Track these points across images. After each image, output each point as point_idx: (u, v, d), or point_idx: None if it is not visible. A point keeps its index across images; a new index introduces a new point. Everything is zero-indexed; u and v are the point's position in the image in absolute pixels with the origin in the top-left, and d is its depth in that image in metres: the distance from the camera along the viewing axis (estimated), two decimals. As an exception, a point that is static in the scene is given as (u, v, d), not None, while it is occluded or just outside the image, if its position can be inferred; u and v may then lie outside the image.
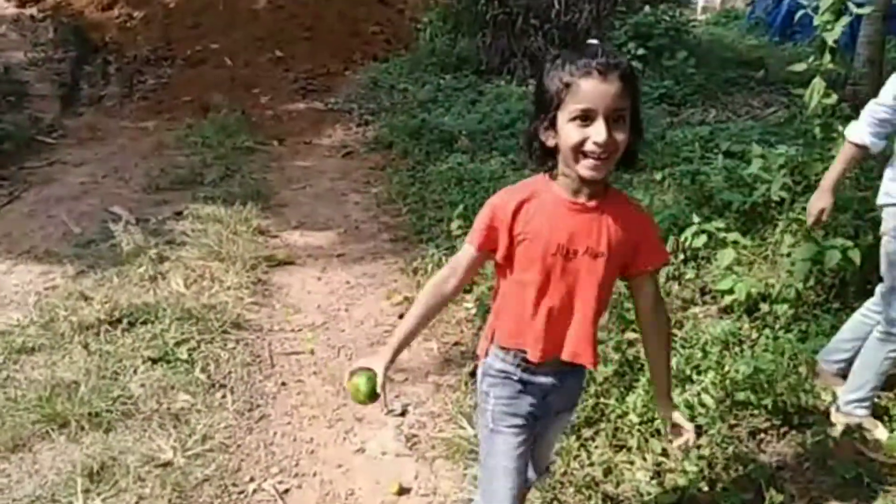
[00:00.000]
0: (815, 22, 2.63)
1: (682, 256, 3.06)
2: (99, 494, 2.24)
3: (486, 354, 1.66)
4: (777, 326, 2.60)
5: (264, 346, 3.30)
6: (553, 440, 1.87)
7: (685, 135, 5.17)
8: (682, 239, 2.99)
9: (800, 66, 2.61)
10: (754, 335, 2.65)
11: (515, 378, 1.60)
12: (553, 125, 1.41)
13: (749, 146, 4.61)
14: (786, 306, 2.58)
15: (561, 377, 1.63)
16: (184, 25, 9.50)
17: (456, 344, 3.37)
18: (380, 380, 1.62)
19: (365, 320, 3.63)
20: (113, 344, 3.12)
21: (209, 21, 9.44)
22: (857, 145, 2.20)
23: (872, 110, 2.18)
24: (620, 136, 1.37)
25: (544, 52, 8.31)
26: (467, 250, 1.59)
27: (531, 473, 1.84)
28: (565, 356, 1.57)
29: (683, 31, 8.74)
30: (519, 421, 1.62)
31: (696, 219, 2.91)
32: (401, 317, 3.62)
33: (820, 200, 2.29)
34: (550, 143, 1.44)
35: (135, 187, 5.32)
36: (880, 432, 2.30)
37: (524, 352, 1.57)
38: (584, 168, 1.40)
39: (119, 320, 3.29)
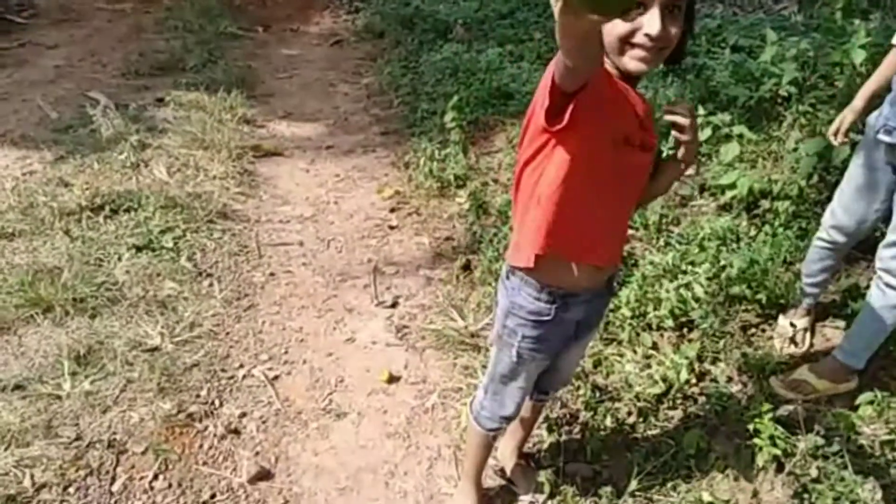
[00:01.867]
0: None
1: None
2: (87, 377, 2.23)
3: (513, 283, 1.44)
4: (777, 223, 2.55)
5: (252, 237, 3.23)
6: (578, 359, 1.78)
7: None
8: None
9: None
10: (753, 231, 2.60)
11: (549, 318, 1.44)
12: None
13: (758, 40, 4.41)
14: (787, 203, 2.52)
15: (596, 299, 1.50)
16: None
17: (447, 239, 3.31)
18: None
19: (355, 213, 3.54)
20: (95, 231, 3.04)
21: None
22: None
23: None
24: (674, 29, 1.18)
25: (547, -64, 7.79)
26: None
27: (551, 389, 1.82)
28: (613, 262, 1.45)
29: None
30: (547, 353, 1.53)
31: (701, 111, 2.78)
32: (392, 211, 3.62)
33: (846, 110, 2.10)
34: None
35: (113, 72, 5.06)
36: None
37: (560, 288, 1.40)
38: (632, 60, 1.21)
39: (101, 207, 3.19)
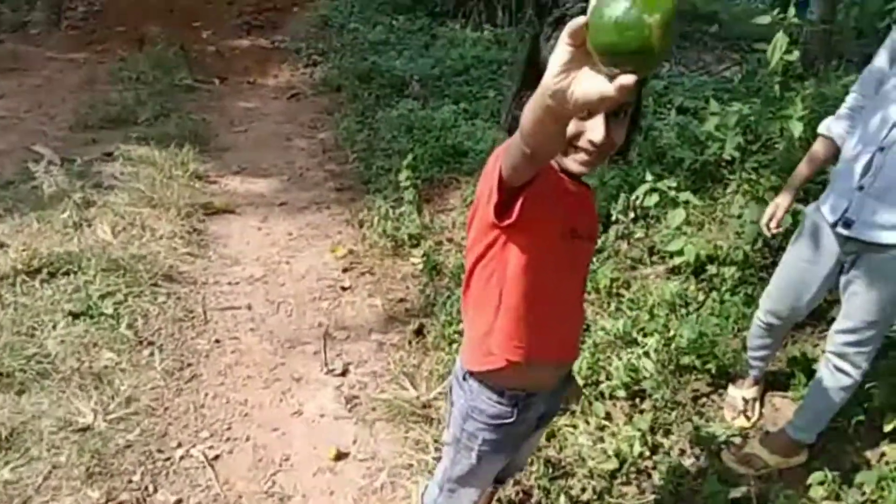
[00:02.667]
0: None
1: (632, 215, 3.00)
2: (7, 463, 2.08)
3: (471, 386, 1.37)
4: (724, 289, 2.59)
5: (198, 301, 3.13)
6: (534, 446, 1.74)
7: (639, 88, 5.07)
8: (633, 197, 2.92)
9: (764, 19, 2.51)
10: (701, 297, 2.63)
11: (510, 420, 1.37)
12: None
13: (702, 102, 4.57)
14: (733, 269, 2.56)
15: (558, 391, 1.46)
16: (119, -52, 8.78)
17: (401, 300, 3.26)
18: None
19: (307, 274, 3.48)
20: (30, 296, 2.90)
21: (146, -56, 8.74)
22: (824, 137, 1.99)
23: (846, 102, 1.98)
24: (619, 134, 1.16)
25: (501, -4, 8.03)
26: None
27: (507, 476, 1.77)
28: (577, 354, 1.43)
29: (642, -20, 8.55)
30: (508, 453, 1.48)
31: (648, 177, 2.84)
32: (345, 271, 3.56)
33: (779, 197, 2.10)
34: None
35: (60, 124, 4.94)
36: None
37: (523, 390, 1.35)
38: (574, 162, 1.18)
39: (38, 270, 3.05)
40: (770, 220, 2.10)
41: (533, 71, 1.14)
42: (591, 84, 0.75)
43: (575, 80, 0.77)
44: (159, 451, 2.25)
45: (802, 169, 2.06)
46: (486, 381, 1.35)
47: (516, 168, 1.01)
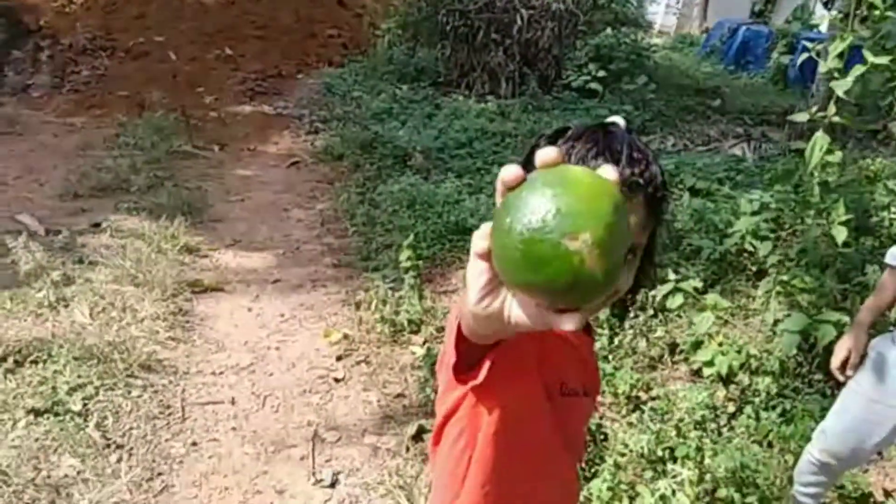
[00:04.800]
0: (821, 69, 2.38)
1: (650, 311, 2.79)
2: None
3: None
4: (758, 401, 2.34)
5: (176, 394, 2.87)
6: None
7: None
8: (652, 294, 2.72)
9: (802, 117, 2.34)
10: (731, 408, 2.39)
11: None
12: None
13: (715, 183, 4.43)
14: (768, 380, 2.32)
15: None
16: (128, 14, 8.86)
17: (398, 396, 3.00)
18: None
19: (297, 362, 3.23)
20: (-9, 389, 2.64)
21: (155, 12, 8.83)
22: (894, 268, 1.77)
23: None
24: (625, 280, 0.97)
25: (504, 67, 8.07)
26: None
27: None
28: None
29: (644, 56, 8.65)
30: None
31: (671, 275, 2.63)
32: (339, 359, 3.31)
33: (850, 339, 1.84)
34: None
35: (49, 192, 4.78)
36: None
37: None
38: (565, 321, 1.00)
39: (3, 359, 2.81)
40: (842, 364, 1.84)
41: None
42: (529, 314, 0.57)
43: (506, 302, 0.59)
44: (116, 587, 1.96)
45: (872, 304, 1.82)
46: None
47: (474, 333, 0.78)
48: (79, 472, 2.32)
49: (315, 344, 3.39)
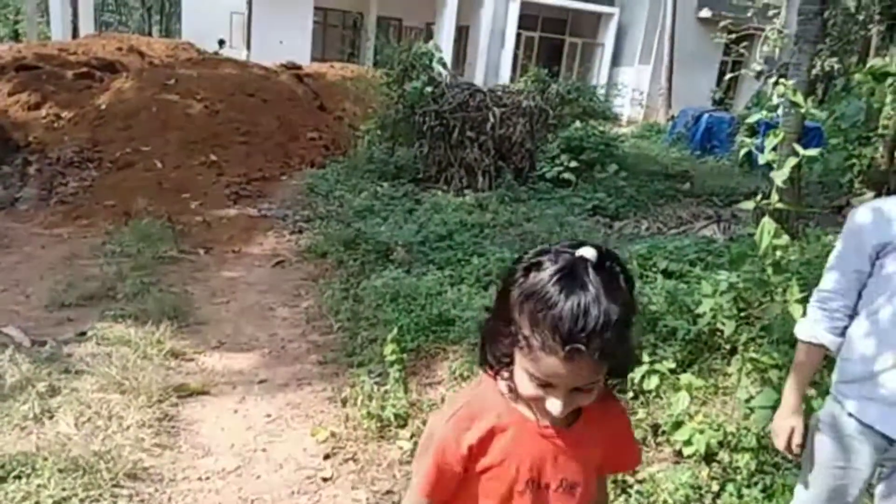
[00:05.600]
0: (761, 161, 2.60)
1: (630, 394, 2.86)
2: None
3: None
4: (739, 479, 2.38)
5: (162, 502, 2.84)
6: None
7: (622, 252, 5.13)
8: (630, 377, 2.79)
9: (748, 205, 2.54)
10: (715, 487, 2.42)
11: None
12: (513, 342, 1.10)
13: (687, 265, 4.61)
14: (747, 456, 2.38)
15: None
16: (114, 127, 9.20)
17: (387, 493, 3.00)
18: None
19: (285, 463, 3.21)
20: (-26, 507, 2.61)
21: (141, 123, 9.18)
22: (812, 345, 1.86)
23: (820, 300, 1.85)
24: (586, 401, 1.11)
25: (480, 162, 8.44)
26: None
27: None
28: None
29: (613, 145, 9.10)
30: None
31: (646, 358, 2.73)
32: (326, 457, 3.31)
33: (787, 421, 1.90)
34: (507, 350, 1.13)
35: (35, 303, 4.82)
36: None
37: None
38: (543, 414, 1.15)
39: (-13, 475, 2.78)
40: (788, 443, 1.91)
41: (503, 306, 1.11)
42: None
43: None
44: None
45: (795, 383, 1.91)
46: None
47: None
48: (62, 591, 2.26)
49: (302, 443, 3.38)
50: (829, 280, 1.84)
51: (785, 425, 1.88)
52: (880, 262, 1.74)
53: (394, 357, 3.68)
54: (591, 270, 1.03)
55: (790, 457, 1.90)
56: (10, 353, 3.54)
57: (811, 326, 1.85)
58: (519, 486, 1.14)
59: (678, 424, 2.56)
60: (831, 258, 1.85)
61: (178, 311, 4.74)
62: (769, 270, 2.50)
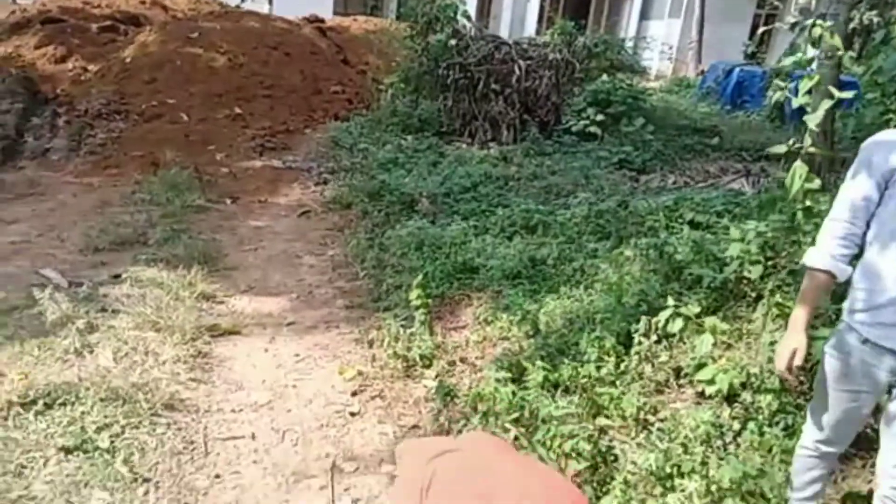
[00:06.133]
0: (794, 104, 2.55)
1: (654, 337, 2.89)
2: None
3: None
4: (761, 418, 2.42)
5: (199, 430, 2.97)
6: None
7: (649, 204, 5.10)
8: (654, 320, 2.82)
9: (780, 149, 2.50)
10: (736, 426, 2.46)
11: None
12: None
13: (714, 216, 4.57)
14: (769, 397, 2.41)
15: None
16: (140, 80, 9.25)
17: (413, 427, 3.09)
18: None
19: (314, 398, 3.32)
20: (23, 429, 2.75)
21: (166, 76, 9.21)
22: (821, 272, 1.90)
23: (831, 229, 1.89)
24: None
25: (505, 115, 8.36)
26: None
27: None
28: None
29: (640, 99, 8.92)
30: None
31: (670, 301, 2.75)
32: (354, 394, 3.41)
33: (791, 340, 1.95)
34: None
35: (71, 248, 4.96)
36: None
37: None
38: None
39: (34, 401, 2.91)
40: (789, 364, 1.95)
41: None
42: None
43: None
44: None
45: (802, 311, 1.94)
46: None
47: None
48: (108, 505, 2.40)
49: (331, 381, 3.48)
50: (839, 209, 1.88)
51: (788, 346, 1.93)
52: (889, 192, 1.77)
53: (419, 301, 3.74)
54: None
55: (788, 378, 1.95)
56: (50, 292, 3.66)
57: (820, 254, 1.89)
58: None
59: (701, 366, 2.60)
60: (842, 188, 1.88)
61: (207, 257, 4.84)
62: (799, 215, 2.48)
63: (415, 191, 6.03)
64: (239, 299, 4.40)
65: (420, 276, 3.88)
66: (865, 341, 1.81)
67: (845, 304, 1.90)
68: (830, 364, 1.90)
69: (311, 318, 4.22)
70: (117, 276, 4.41)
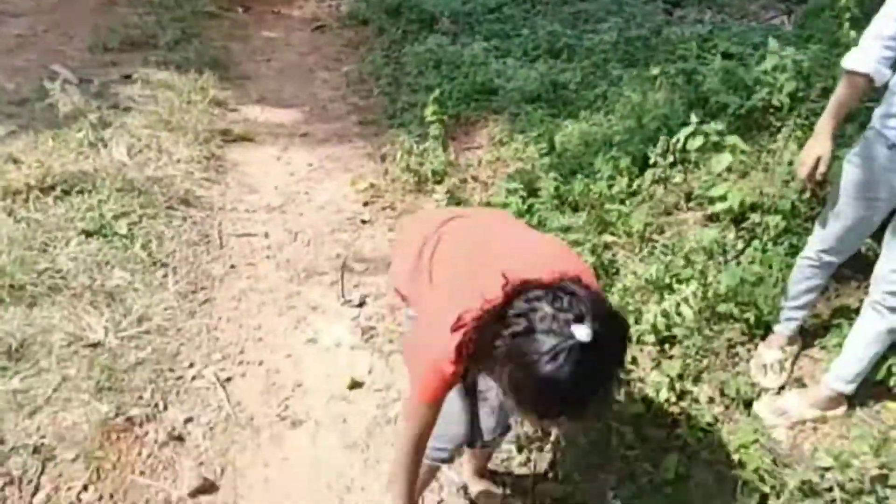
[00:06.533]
0: None
1: (671, 158, 2.84)
2: (17, 373, 2.04)
3: None
4: (766, 238, 2.43)
5: (213, 226, 3.05)
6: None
7: (682, 32, 4.81)
8: (673, 140, 2.75)
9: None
10: (740, 245, 2.49)
11: None
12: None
13: (749, 48, 4.32)
14: (778, 217, 2.40)
15: None
16: None
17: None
18: None
19: (326, 205, 3.37)
20: (43, 212, 2.83)
21: None
22: (857, 75, 1.79)
23: (878, 28, 1.75)
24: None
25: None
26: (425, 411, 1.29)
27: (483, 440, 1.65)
28: None
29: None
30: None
31: (693, 118, 2.65)
32: (365, 204, 3.46)
33: (816, 147, 1.88)
34: None
35: (79, 45, 4.80)
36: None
37: None
38: None
39: (52, 187, 2.97)
40: (812, 173, 1.91)
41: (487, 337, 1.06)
42: None
43: None
44: (170, 370, 2.19)
45: (833, 116, 1.86)
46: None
47: None
48: (129, 283, 2.52)
49: (342, 191, 3.52)
50: (884, 14, 1.75)
51: (812, 153, 1.89)
52: None
53: (434, 117, 3.66)
54: (583, 354, 0.95)
55: (809, 186, 1.93)
56: (61, 83, 3.59)
57: (862, 55, 1.79)
58: None
59: (714, 182, 2.57)
60: None
61: (218, 64, 4.71)
62: (845, 26, 2.31)
63: (435, 8, 5.69)
64: (251, 108, 4.34)
65: (436, 93, 3.76)
66: (893, 146, 1.76)
67: (877, 111, 1.83)
68: (852, 173, 1.88)
69: (324, 131, 4.17)
70: (128, 77, 4.31)
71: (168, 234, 2.88)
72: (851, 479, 1.69)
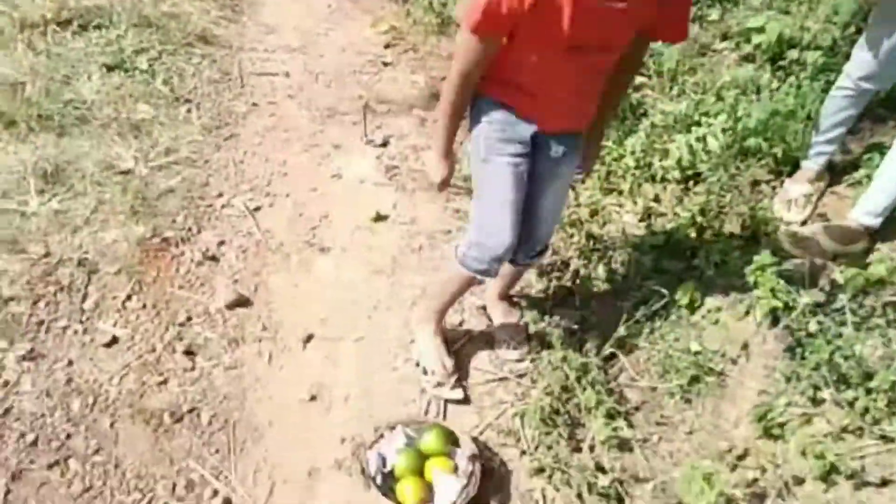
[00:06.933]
0: None
1: (709, -8, 2.68)
2: (55, 196, 2.10)
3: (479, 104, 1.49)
4: (803, 75, 2.34)
5: (234, 64, 3.00)
6: (556, 208, 1.66)
7: None
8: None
9: None
10: (776, 84, 2.40)
11: (514, 118, 1.45)
12: None
13: None
14: (817, 54, 2.29)
15: (569, 142, 1.52)
16: None
17: (444, 78, 3.07)
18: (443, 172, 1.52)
19: (347, 47, 3.28)
20: (62, 46, 2.79)
21: None
22: None
23: None
24: None
25: None
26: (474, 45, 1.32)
27: (522, 255, 1.70)
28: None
29: None
30: (513, 149, 1.46)
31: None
32: (387, 46, 3.35)
33: None
34: None
35: None
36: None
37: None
38: None
39: (68, 21, 2.91)
40: None
41: None
42: None
43: None
44: (200, 198, 2.25)
45: None
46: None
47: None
48: (153, 117, 2.53)
49: (363, 33, 3.40)
50: None
51: None
52: None
53: (459, -46, 3.45)
54: None
55: None
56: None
57: None
58: (560, 45, 1.26)
59: (754, 14, 2.44)
60: None
61: None
62: None
63: None
64: (266, -54, 4.10)
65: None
66: None
67: None
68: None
69: (343, -31, 3.97)
70: None
71: (189, 71, 2.85)
72: (863, 304, 1.73)
